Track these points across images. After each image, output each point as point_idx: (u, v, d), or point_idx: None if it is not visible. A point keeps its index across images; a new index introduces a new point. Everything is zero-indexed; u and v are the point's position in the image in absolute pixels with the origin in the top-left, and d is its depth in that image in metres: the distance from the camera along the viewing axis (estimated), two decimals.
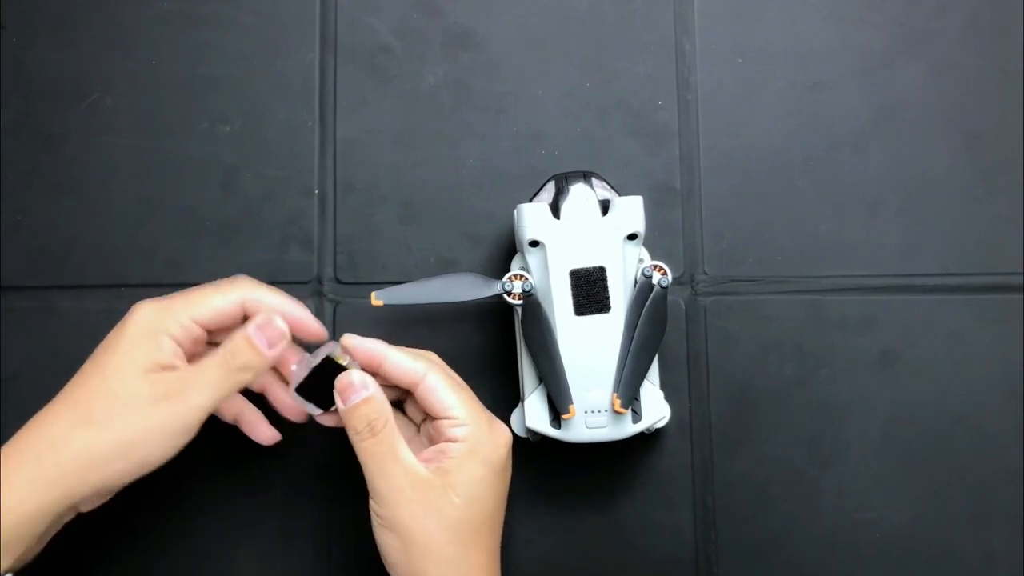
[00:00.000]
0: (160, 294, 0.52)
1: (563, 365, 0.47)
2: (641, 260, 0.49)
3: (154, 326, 0.43)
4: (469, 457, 0.43)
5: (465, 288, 0.48)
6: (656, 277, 0.47)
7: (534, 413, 0.48)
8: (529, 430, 0.49)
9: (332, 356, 0.45)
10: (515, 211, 0.49)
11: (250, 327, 0.43)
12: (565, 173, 0.49)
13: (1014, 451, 0.52)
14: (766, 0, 0.56)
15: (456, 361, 0.48)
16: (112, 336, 0.43)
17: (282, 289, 0.53)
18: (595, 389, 0.47)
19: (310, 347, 0.46)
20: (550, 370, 0.47)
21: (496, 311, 0.53)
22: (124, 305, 0.52)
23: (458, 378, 0.47)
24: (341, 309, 0.53)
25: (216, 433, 0.46)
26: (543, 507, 0.52)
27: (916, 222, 0.54)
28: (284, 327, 0.44)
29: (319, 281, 0.53)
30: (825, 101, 0.55)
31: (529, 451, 0.50)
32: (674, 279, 0.51)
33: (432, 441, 0.45)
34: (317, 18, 0.55)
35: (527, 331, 0.48)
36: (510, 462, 0.46)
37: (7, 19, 0.55)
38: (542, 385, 0.48)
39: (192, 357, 0.44)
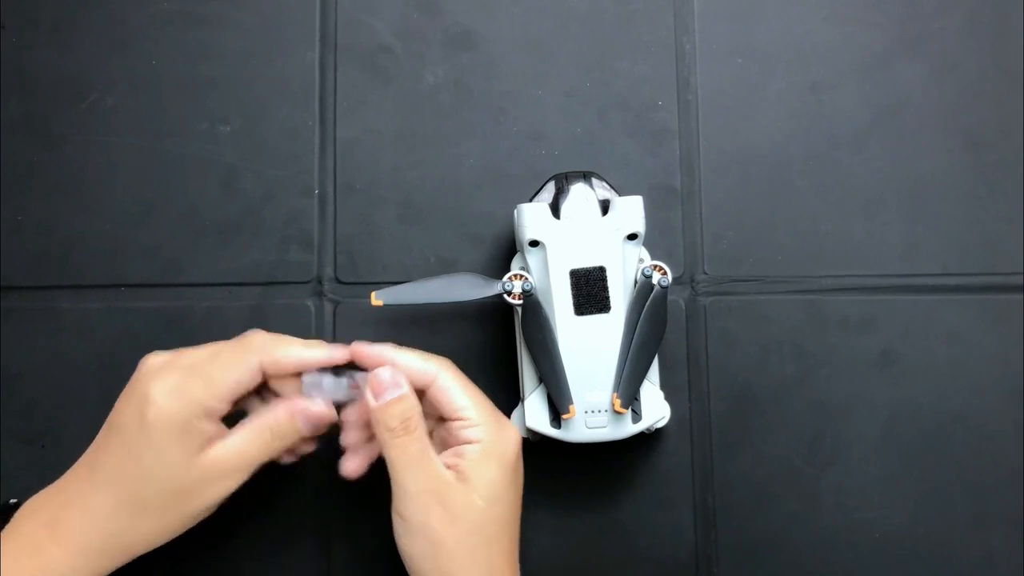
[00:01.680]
0: (160, 294, 0.53)
1: (563, 365, 0.47)
2: (641, 260, 0.49)
3: (183, 417, 0.42)
4: (485, 459, 0.43)
5: (465, 288, 0.48)
6: (656, 277, 0.47)
7: (534, 413, 0.48)
8: (529, 430, 0.49)
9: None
10: (515, 211, 0.49)
11: (297, 409, 0.44)
12: (565, 173, 0.49)
13: (1014, 451, 0.52)
14: (766, 0, 0.56)
15: (456, 361, 0.48)
16: (140, 426, 0.42)
17: (282, 289, 0.53)
18: (595, 389, 0.47)
19: None
20: (550, 370, 0.47)
21: (496, 311, 0.53)
22: (124, 305, 0.53)
23: (470, 381, 0.47)
24: (341, 309, 0.53)
25: None
26: (543, 507, 0.52)
27: (916, 222, 0.54)
28: (329, 413, 0.45)
29: (319, 281, 0.53)
30: (825, 101, 0.55)
31: (529, 451, 0.50)
32: (674, 279, 0.51)
33: (445, 445, 0.45)
34: (317, 18, 0.55)
35: (527, 331, 0.48)
36: (521, 461, 0.46)
37: (7, 19, 0.55)
38: (542, 385, 0.48)
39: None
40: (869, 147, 0.54)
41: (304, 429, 0.44)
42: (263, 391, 0.46)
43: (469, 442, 0.44)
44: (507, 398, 0.51)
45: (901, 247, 0.54)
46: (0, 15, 0.55)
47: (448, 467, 0.43)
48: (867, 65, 0.55)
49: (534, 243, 0.48)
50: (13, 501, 0.44)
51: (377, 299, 0.47)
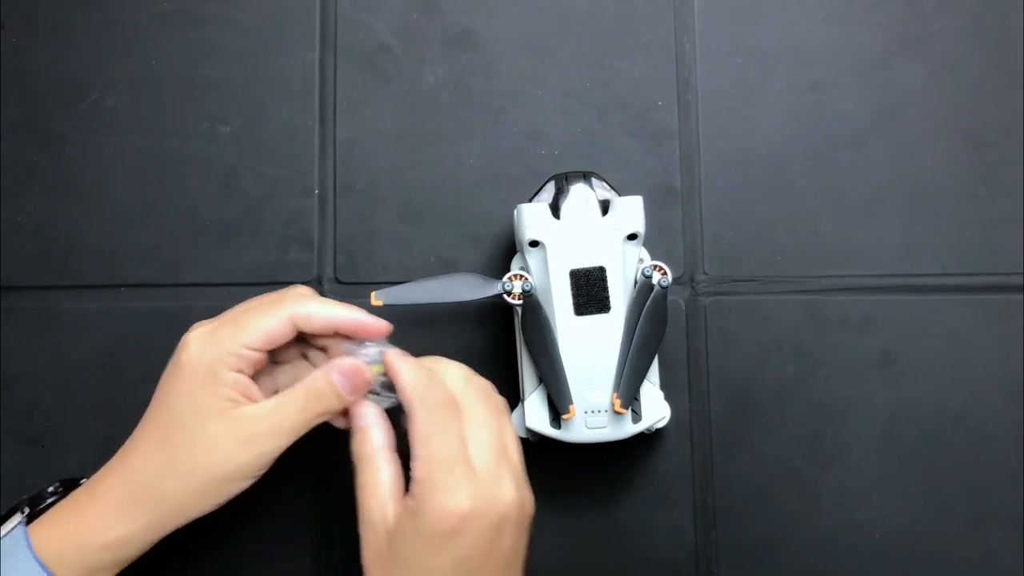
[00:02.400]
0: (160, 294, 0.53)
1: (563, 365, 0.47)
2: (641, 260, 0.49)
3: (209, 361, 0.42)
4: (411, 517, 0.39)
5: (465, 288, 0.48)
6: (656, 277, 0.47)
7: (534, 413, 0.48)
8: (529, 430, 0.49)
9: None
10: (515, 211, 0.49)
11: (334, 372, 0.43)
12: (565, 173, 0.49)
13: (1014, 451, 0.52)
14: (766, 0, 0.56)
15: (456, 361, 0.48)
16: (173, 373, 0.43)
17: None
18: (595, 389, 0.47)
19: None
20: (550, 370, 0.47)
21: (496, 311, 0.53)
22: (124, 305, 0.53)
23: (448, 428, 0.41)
24: None
25: None
26: (543, 507, 0.52)
27: (916, 222, 0.54)
28: (368, 374, 0.43)
29: (319, 281, 0.53)
30: (825, 101, 0.55)
31: (529, 451, 0.50)
32: (674, 279, 0.51)
33: None
34: (317, 18, 0.55)
35: (527, 331, 0.48)
36: (471, 536, 0.39)
37: (7, 19, 0.55)
38: (542, 385, 0.48)
39: (256, 374, 0.44)
40: (869, 147, 0.54)
41: (341, 387, 0.43)
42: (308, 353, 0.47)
43: (409, 495, 0.40)
44: (507, 398, 0.51)
45: (901, 247, 0.54)
46: (0, 15, 0.55)
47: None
48: (867, 65, 0.55)
49: (534, 243, 0.48)
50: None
51: (377, 299, 0.47)
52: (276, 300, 0.45)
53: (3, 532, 0.42)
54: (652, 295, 0.47)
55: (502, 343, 0.52)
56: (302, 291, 0.46)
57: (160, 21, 0.55)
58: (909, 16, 0.56)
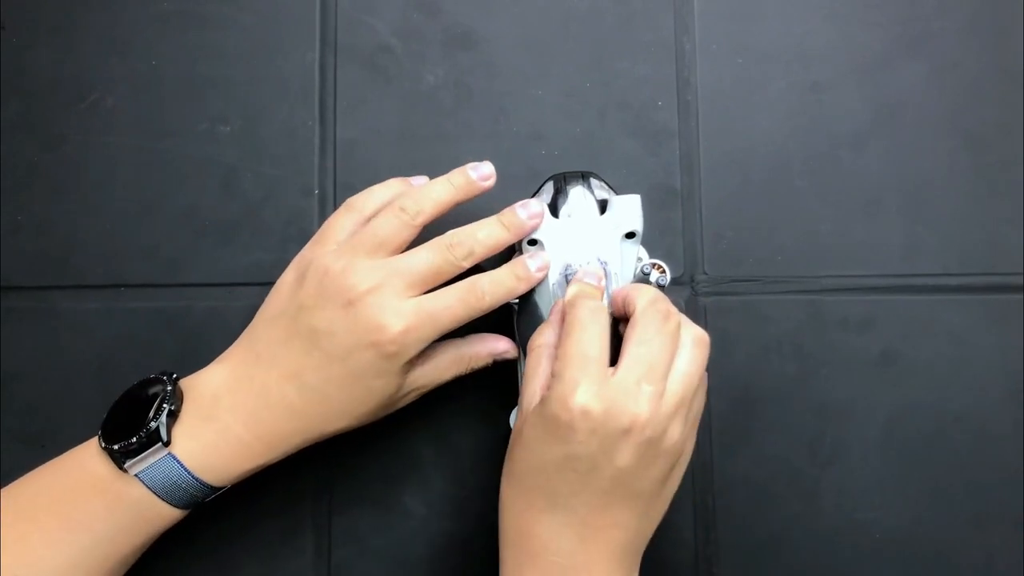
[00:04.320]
0: (160, 294, 0.53)
1: None
2: (640, 259, 0.49)
3: (410, 356, 0.44)
4: (540, 404, 0.41)
5: None
6: (655, 276, 0.47)
7: None
8: None
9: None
10: None
11: (497, 351, 0.49)
12: (563, 173, 0.49)
13: (1014, 451, 0.52)
14: (766, 0, 0.56)
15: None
16: (368, 347, 0.43)
17: None
18: None
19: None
20: None
21: (496, 311, 0.52)
22: (124, 305, 0.53)
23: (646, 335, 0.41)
24: None
25: None
26: None
27: (916, 222, 0.54)
28: (515, 353, 0.49)
29: None
30: (825, 101, 0.55)
31: None
32: (674, 279, 0.51)
33: None
34: (317, 18, 0.55)
35: (526, 331, 0.47)
36: (583, 436, 0.39)
37: (7, 19, 0.55)
38: None
39: None
40: (869, 147, 0.54)
41: (498, 354, 0.49)
42: None
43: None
44: (506, 398, 0.51)
45: (901, 247, 0.54)
46: (0, 15, 0.55)
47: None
48: (867, 65, 0.55)
49: (533, 243, 0.48)
50: (173, 376, 0.45)
51: None
52: (473, 296, 0.45)
53: (148, 462, 0.43)
54: None
55: None
56: (491, 284, 0.46)
57: (160, 21, 0.55)
58: (909, 16, 0.56)
